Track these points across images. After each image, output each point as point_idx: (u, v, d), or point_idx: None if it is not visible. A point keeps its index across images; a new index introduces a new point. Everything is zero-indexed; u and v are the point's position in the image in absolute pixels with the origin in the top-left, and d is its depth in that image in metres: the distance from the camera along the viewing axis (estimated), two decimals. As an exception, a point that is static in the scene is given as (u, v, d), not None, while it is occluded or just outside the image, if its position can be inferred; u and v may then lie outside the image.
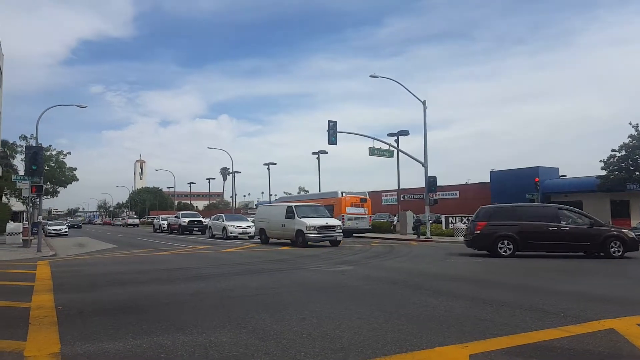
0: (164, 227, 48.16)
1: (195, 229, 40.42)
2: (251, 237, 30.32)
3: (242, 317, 6.78)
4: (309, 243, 22.75)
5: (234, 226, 31.34)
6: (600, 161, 38.33)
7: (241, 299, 8.46)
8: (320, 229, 22.93)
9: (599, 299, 8.22)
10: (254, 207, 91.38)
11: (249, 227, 31.05)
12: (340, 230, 24.11)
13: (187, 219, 41.00)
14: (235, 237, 30.77)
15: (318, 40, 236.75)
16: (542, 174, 43.58)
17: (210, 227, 34.16)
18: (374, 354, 4.96)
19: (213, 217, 36.47)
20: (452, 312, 7.06)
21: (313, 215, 24.01)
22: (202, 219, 41.74)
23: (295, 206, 24.59)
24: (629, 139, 37.37)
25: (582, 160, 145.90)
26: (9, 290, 9.90)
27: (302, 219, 23.29)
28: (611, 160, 37.94)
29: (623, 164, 37.57)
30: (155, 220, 54.81)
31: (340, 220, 29.59)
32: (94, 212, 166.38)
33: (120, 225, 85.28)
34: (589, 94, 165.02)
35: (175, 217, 43.88)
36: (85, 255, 20.76)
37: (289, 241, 24.41)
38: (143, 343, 5.42)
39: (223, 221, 32.51)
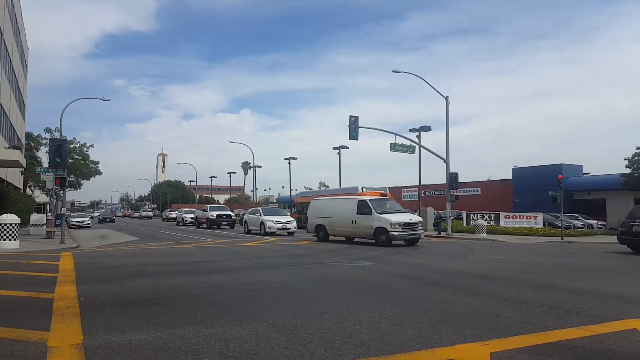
0: (186, 221, 47.40)
1: (223, 223, 39.17)
2: (290, 234, 29.40)
3: (262, 311, 6.83)
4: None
5: (273, 221, 29.75)
6: (625, 159, 37.57)
7: (261, 293, 8.50)
8: (405, 226, 20.55)
9: (622, 298, 8.07)
10: (275, 201, 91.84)
11: (288, 222, 29.95)
12: (422, 228, 21.91)
13: (215, 213, 39.55)
14: (273, 233, 29.37)
15: (338, 34, 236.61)
16: (565, 171, 42.94)
17: (246, 221, 32.92)
18: (393, 350, 4.95)
19: (249, 211, 35.07)
20: (473, 310, 7.00)
21: (392, 211, 21.61)
22: (231, 213, 40.54)
23: (370, 200, 22.01)
24: (655, 135, 36.52)
25: (606, 157, 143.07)
26: (33, 281, 10.10)
27: (383, 215, 20.82)
28: (636, 158, 37.15)
29: (647, 162, 36.78)
30: (177, 214, 54.17)
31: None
32: (116, 204, 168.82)
33: (136, 217, 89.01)
34: (614, 90, 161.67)
35: (203, 210, 42.45)
36: (108, 247, 21.09)
37: (365, 239, 22.02)
38: (164, 335, 5.49)
39: (261, 215, 30.91)
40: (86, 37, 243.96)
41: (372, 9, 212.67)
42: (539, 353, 4.90)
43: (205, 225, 39.76)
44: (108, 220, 63.01)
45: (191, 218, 47.65)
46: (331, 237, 23.24)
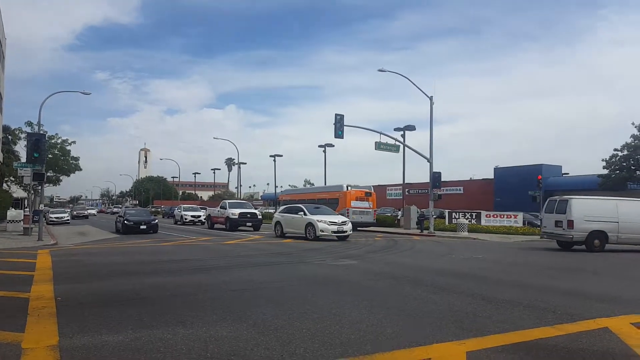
0: (186, 219, 41.16)
1: (247, 223, 30.95)
2: (343, 238, 22.97)
3: (242, 311, 6.83)
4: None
5: (327, 222, 22.67)
6: (603, 160, 38.22)
7: (243, 293, 8.50)
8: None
9: (595, 298, 8.25)
10: (259, 198, 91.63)
11: (344, 223, 23.15)
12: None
13: (237, 211, 31.00)
14: (326, 238, 22.76)
15: (328, 32, 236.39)
16: (545, 171, 43.64)
17: (278, 222, 25.49)
18: (372, 349, 5.00)
19: (282, 208, 28.02)
20: (452, 309, 7.09)
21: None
22: (256, 211, 32.61)
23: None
24: (631, 138, 37.24)
25: (588, 159, 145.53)
26: (9, 280, 9.97)
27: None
28: (613, 159, 37.85)
29: (625, 164, 37.49)
30: (176, 211, 46.43)
31: (345, 213, 29.71)
32: (96, 200, 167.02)
33: (109, 213, 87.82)
34: (598, 92, 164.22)
35: (221, 207, 33.34)
36: (87, 244, 20.86)
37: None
38: (142, 336, 5.47)
39: (306, 215, 23.64)
40: (68, 28, 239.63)
41: (362, 8, 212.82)
42: (514, 352, 4.99)
43: (224, 227, 31.41)
44: (82, 216, 57.90)
45: (192, 216, 41.59)
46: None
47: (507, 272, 11.97)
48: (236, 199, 60.45)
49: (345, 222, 23.35)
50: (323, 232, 22.38)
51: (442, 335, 5.62)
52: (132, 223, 28.27)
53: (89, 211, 68.98)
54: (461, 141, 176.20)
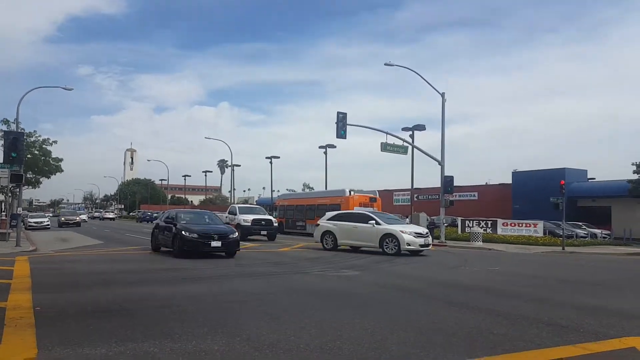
0: None
1: (262, 231, 29.53)
2: (418, 253, 21.06)
3: (236, 324, 6.85)
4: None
5: (412, 233, 20.85)
6: (633, 164, 38.13)
7: (236, 304, 8.53)
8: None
9: (622, 314, 8.24)
10: (254, 204, 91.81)
11: (427, 234, 21.85)
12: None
13: (249, 217, 29.73)
14: (412, 252, 20.69)
15: (329, 23, 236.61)
16: (569, 176, 43.48)
17: (328, 232, 22.98)
18: (376, 368, 5.02)
19: (332, 215, 24.14)
20: (464, 325, 7.10)
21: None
22: (272, 218, 31.81)
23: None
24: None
25: (614, 162, 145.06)
26: (-15, 288, 9.99)
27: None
28: (645, 163, 37.69)
29: (658, 168, 37.33)
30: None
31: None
32: (79, 204, 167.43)
33: (95, 218, 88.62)
34: (625, 91, 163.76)
35: (230, 213, 31.90)
36: (69, 251, 20.91)
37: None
38: (127, 349, 5.49)
39: (380, 224, 21.39)
40: (48, 19, 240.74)
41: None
42: (531, 372, 5.00)
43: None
44: (73, 223, 52.17)
45: None
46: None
47: (525, 286, 11.96)
48: (248, 204, 59.05)
49: (428, 233, 22.12)
50: (410, 245, 20.41)
51: (453, 354, 5.62)
52: (195, 237, 17.42)
53: (81, 217, 60.91)
54: (476, 143, 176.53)
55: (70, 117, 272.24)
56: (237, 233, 18.94)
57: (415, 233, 21.01)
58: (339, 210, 31.27)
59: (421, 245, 20.85)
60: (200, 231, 17.61)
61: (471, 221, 35.62)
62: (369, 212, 24.21)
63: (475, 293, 10.40)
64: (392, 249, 20.55)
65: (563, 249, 26.02)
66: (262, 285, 11.12)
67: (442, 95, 30.36)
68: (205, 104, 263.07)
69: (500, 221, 34.72)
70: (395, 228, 21.18)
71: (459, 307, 8.59)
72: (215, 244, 17.31)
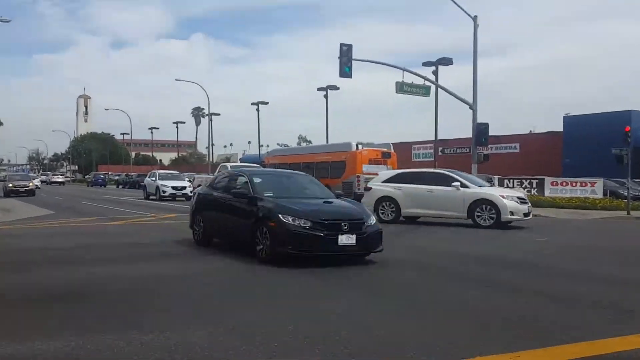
0: (164, 193, 38.25)
1: None
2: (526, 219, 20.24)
3: (219, 311, 6.99)
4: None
5: (514, 198, 20.02)
6: None
7: (220, 286, 8.64)
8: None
9: None
10: (238, 161, 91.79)
11: (527, 201, 20.97)
12: None
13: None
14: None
15: None
16: (637, 121, 43.16)
17: (388, 197, 21.35)
18: (392, 363, 5.10)
19: (391, 175, 23.20)
20: (501, 309, 7.18)
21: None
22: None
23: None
24: None
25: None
26: None
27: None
28: None
29: None
30: (148, 180, 42.52)
31: (354, 181, 29.48)
32: (23, 165, 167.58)
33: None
34: None
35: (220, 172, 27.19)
36: (13, 224, 20.97)
37: None
38: (87, 343, 5.54)
39: (467, 187, 20.15)
40: None
41: None
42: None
43: None
44: (25, 190, 45.53)
45: (173, 188, 38.59)
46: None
47: (579, 261, 12.03)
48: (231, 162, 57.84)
49: (527, 199, 21.38)
50: (513, 214, 19.37)
51: (487, 345, 5.66)
52: (309, 226, 10.55)
53: (34, 182, 53.39)
54: (516, 80, 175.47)
55: (7, 55, 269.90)
56: (373, 218, 12.17)
57: (518, 198, 20.11)
58: (344, 169, 30.83)
59: (525, 215, 19.91)
60: (318, 215, 10.92)
61: (511, 180, 35.61)
62: (449, 171, 22.19)
63: (516, 270, 10.53)
64: (486, 220, 19.34)
65: (628, 213, 25.98)
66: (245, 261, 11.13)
67: (474, 18, 29.87)
68: (174, 36, 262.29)
69: (548, 180, 34.68)
70: (491, 192, 20.48)
71: (494, 287, 8.77)
72: (347, 239, 10.70)
